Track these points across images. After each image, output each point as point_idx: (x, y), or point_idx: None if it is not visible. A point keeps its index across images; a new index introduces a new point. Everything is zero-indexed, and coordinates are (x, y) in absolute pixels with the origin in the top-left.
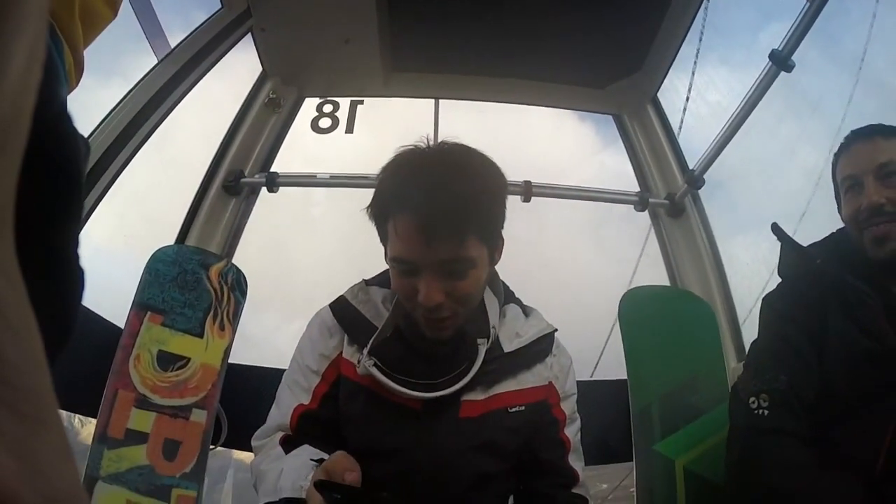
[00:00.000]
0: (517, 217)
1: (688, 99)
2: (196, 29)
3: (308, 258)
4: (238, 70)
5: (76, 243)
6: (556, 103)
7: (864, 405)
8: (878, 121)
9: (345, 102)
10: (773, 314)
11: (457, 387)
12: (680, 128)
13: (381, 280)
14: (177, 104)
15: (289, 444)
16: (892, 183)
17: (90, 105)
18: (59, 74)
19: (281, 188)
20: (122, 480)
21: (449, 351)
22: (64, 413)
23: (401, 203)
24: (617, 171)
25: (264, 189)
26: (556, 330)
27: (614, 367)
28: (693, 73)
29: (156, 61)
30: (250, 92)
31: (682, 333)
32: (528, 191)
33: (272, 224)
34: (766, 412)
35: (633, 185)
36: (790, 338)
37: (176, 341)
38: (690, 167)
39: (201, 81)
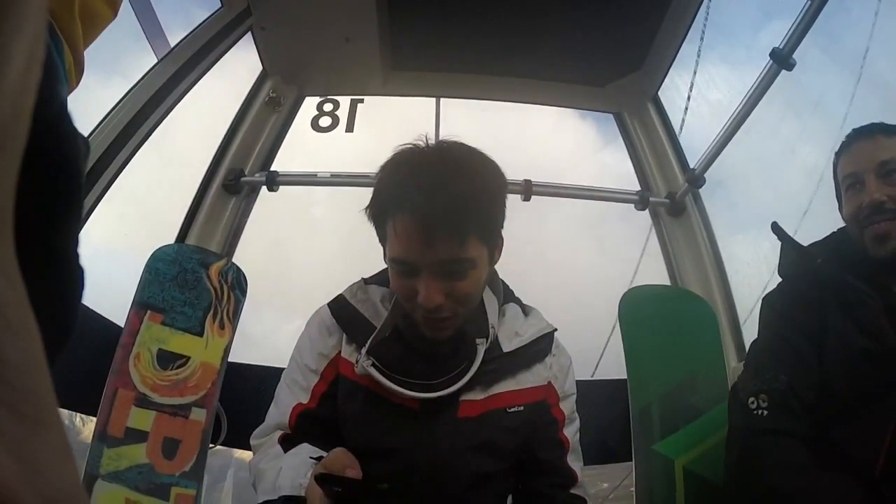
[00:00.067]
0: (517, 216)
1: (689, 97)
2: (196, 28)
3: (308, 257)
4: (238, 69)
5: (76, 243)
6: (557, 102)
7: (864, 405)
8: (880, 119)
9: (345, 101)
10: (773, 314)
11: (456, 387)
12: (681, 126)
13: (380, 279)
14: (177, 103)
15: (287, 442)
16: (894, 181)
17: (90, 105)
18: (59, 74)
19: (281, 187)
20: (122, 479)
21: (448, 351)
22: (65, 412)
23: (400, 203)
24: (617, 169)
25: (264, 188)
26: (555, 329)
27: (614, 367)
28: (694, 72)
29: (156, 60)
30: (250, 91)
31: (683, 333)
32: (528, 190)
33: (272, 223)
34: (765, 412)
35: (633, 184)
36: (790, 338)
37: (176, 340)
38: (691, 166)
39: (201, 80)
